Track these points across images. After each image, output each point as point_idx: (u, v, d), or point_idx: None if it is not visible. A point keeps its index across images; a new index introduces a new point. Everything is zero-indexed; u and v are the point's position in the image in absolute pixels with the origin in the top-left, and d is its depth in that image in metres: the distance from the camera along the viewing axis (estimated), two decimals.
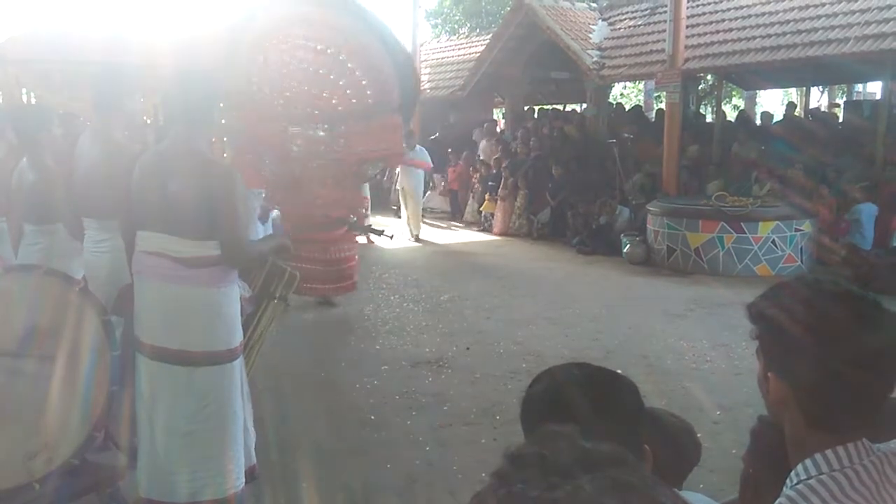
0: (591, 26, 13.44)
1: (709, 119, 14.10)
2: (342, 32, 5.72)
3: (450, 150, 14.47)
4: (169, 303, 2.78)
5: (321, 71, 5.85)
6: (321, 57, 5.81)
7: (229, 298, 2.87)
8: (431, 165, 12.20)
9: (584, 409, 1.25)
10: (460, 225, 13.46)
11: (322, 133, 6.06)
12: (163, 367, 2.79)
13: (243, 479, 2.94)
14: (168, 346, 2.77)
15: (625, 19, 13.69)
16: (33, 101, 9.95)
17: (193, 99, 2.85)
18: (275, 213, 7.29)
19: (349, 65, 5.91)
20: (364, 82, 5.97)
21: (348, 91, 6.02)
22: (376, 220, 11.14)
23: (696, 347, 5.69)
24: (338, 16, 5.71)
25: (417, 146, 11.56)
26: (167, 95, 3.00)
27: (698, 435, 3.96)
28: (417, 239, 11.47)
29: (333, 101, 5.98)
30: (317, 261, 6.48)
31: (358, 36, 5.74)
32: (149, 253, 2.81)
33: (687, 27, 10.61)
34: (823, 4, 10.15)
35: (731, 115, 15.14)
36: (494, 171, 12.80)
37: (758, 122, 12.72)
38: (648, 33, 12.53)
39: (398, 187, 12.16)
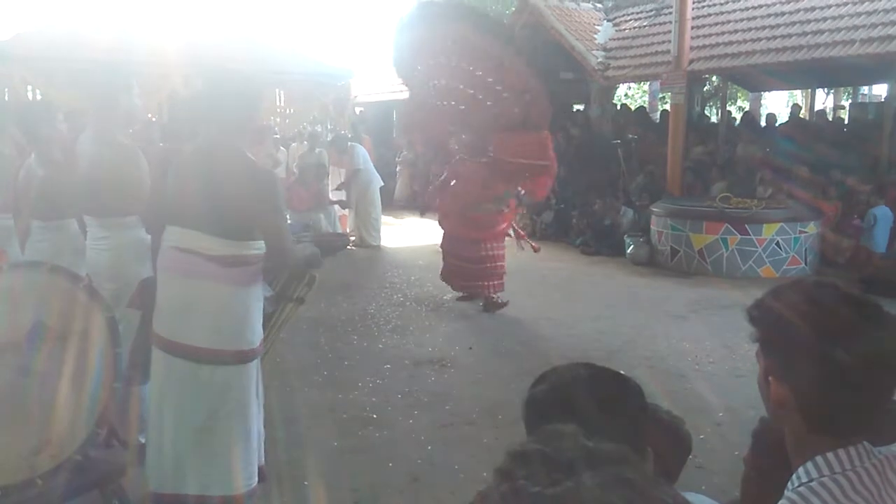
0: (596, 27, 13.42)
1: (713, 120, 14.08)
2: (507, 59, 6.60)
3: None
4: (198, 300, 2.77)
5: (490, 79, 6.64)
6: (496, 71, 6.59)
7: (257, 298, 2.87)
8: (359, 167, 10.74)
9: (588, 408, 1.26)
10: None
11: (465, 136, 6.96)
12: (184, 363, 2.77)
13: (256, 479, 2.94)
14: (193, 344, 2.76)
15: (630, 20, 13.68)
16: (38, 97, 9.99)
17: (226, 98, 2.83)
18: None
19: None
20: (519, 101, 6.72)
21: (508, 103, 6.74)
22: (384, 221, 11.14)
23: (698, 348, 5.69)
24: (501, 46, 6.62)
25: (350, 144, 10.78)
26: (197, 95, 2.99)
27: (700, 436, 3.98)
28: (366, 246, 10.57)
29: (494, 111, 6.75)
30: (471, 259, 6.84)
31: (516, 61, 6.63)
32: (181, 249, 2.79)
33: (692, 28, 10.59)
34: (829, 6, 10.13)
35: (736, 117, 15.12)
36: None
37: (762, 123, 12.70)
38: (653, 34, 12.52)
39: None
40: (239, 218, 2.73)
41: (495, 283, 6.95)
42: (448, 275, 7.15)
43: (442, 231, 7.27)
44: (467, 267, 6.92)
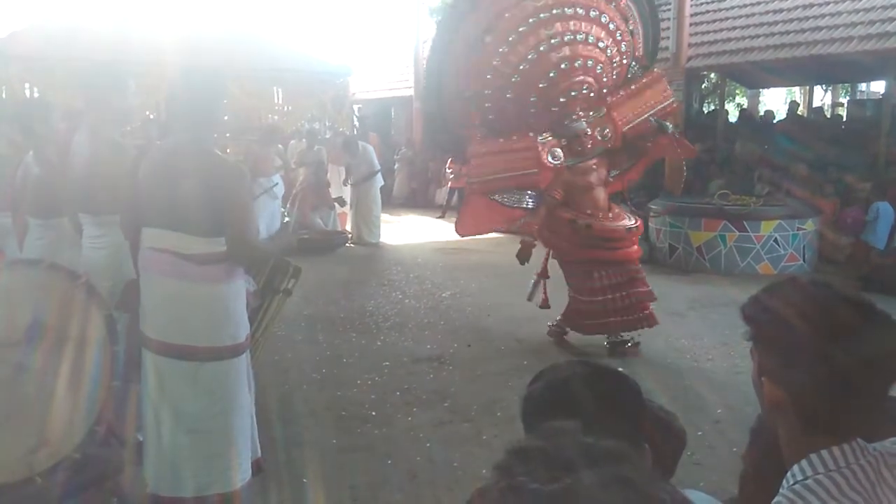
0: None
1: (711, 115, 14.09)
2: None
3: None
4: (176, 299, 2.79)
5: (601, 44, 5.27)
6: (599, 28, 5.23)
7: (236, 294, 2.88)
8: (378, 168, 10.99)
9: (585, 406, 1.26)
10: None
11: (585, 124, 5.36)
12: (170, 362, 2.79)
13: (249, 472, 2.95)
14: (175, 342, 2.78)
15: None
16: (36, 96, 9.97)
17: (198, 96, 2.85)
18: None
19: (611, 26, 5.32)
20: (624, 41, 5.42)
21: (615, 60, 5.40)
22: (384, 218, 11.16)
23: (697, 345, 5.69)
24: None
25: (361, 145, 10.86)
26: (171, 93, 3.00)
27: (699, 433, 3.98)
28: (364, 244, 10.58)
29: (604, 79, 5.39)
30: (607, 288, 5.43)
31: None
32: (156, 249, 2.82)
33: (690, 25, 10.61)
34: (828, 3, 10.15)
35: (734, 114, 15.12)
36: None
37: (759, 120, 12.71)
38: None
39: (349, 184, 11.05)
40: (208, 214, 2.74)
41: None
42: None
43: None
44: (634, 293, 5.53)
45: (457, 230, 5.65)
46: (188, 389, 2.79)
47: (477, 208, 5.50)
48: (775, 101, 22.56)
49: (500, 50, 5.08)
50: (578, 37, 5.11)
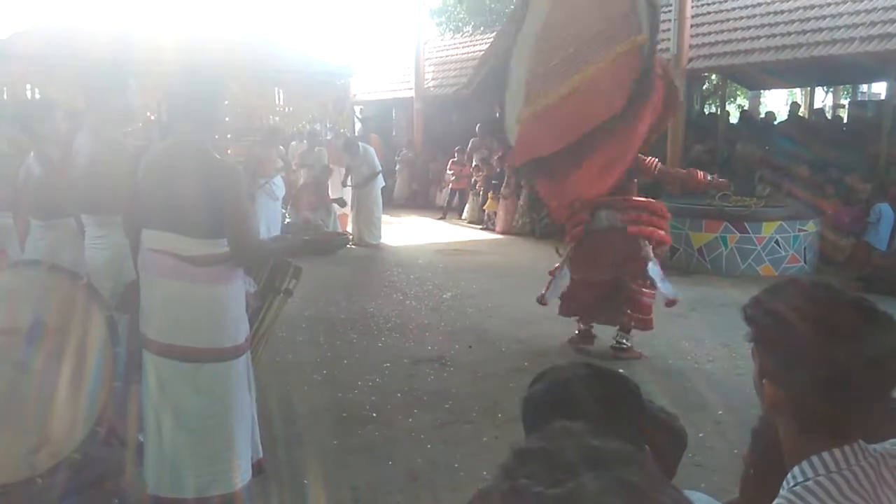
0: None
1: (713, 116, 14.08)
2: None
3: (457, 149, 14.45)
4: (175, 300, 2.79)
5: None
6: None
7: (235, 295, 2.88)
8: (379, 169, 10.96)
9: (586, 407, 1.26)
10: (464, 222, 13.45)
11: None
12: (169, 363, 2.79)
13: (250, 473, 2.95)
14: (175, 343, 2.78)
15: None
16: (38, 96, 9.97)
17: (199, 97, 2.85)
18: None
19: None
20: None
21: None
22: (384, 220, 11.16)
23: (698, 347, 5.69)
24: None
25: (362, 146, 10.87)
26: (172, 93, 3.00)
27: (700, 435, 3.97)
28: (365, 245, 10.60)
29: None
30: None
31: None
32: (155, 251, 2.81)
33: (691, 26, 10.59)
34: (829, 4, 10.14)
35: (735, 115, 15.12)
36: (498, 170, 12.80)
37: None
38: None
39: (350, 185, 11.06)
40: (206, 216, 2.73)
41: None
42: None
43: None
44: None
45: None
46: (188, 390, 2.79)
47: None
48: (776, 102, 22.58)
49: None
50: None
